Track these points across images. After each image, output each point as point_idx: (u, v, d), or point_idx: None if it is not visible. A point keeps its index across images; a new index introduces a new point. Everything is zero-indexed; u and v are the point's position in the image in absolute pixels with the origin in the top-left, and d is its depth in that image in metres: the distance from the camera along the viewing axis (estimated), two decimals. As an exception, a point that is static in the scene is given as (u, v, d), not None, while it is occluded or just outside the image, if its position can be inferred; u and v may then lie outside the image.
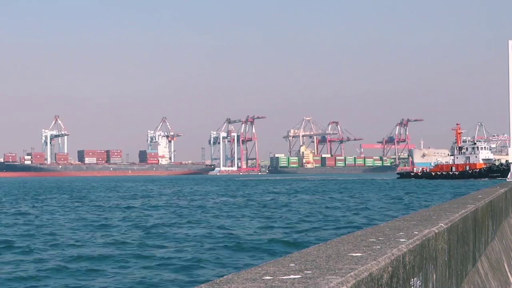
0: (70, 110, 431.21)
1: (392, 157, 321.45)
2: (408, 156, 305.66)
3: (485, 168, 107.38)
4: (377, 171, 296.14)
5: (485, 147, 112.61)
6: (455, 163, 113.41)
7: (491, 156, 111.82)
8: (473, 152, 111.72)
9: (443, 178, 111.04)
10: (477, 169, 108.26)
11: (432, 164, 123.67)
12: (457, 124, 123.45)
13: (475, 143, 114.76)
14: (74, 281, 14.76)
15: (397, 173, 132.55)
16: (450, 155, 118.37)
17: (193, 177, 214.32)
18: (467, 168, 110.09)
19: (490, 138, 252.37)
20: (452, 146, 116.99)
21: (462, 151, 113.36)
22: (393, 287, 3.06)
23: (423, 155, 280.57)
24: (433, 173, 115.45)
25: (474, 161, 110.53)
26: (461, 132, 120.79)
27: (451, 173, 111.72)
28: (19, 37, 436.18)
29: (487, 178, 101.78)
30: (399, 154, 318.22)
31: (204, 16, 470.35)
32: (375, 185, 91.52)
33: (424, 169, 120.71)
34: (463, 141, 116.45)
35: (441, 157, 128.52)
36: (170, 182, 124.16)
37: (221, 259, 17.89)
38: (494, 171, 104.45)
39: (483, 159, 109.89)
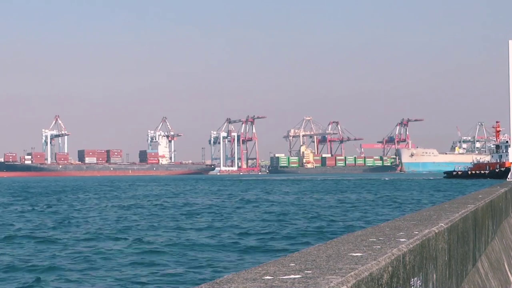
0: (70, 110, 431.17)
1: (392, 157, 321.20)
2: (395, 155, 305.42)
3: (510, 167, 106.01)
4: (378, 171, 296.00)
5: None
6: (490, 162, 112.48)
7: None
8: (505, 151, 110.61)
9: (476, 177, 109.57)
10: (503, 168, 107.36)
11: (472, 163, 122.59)
12: (496, 122, 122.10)
13: (507, 141, 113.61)
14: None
15: (444, 173, 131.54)
16: (490, 154, 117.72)
17: (193, 177, 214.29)
18: (497, 167, 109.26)
19: (490, 138, 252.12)
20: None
21: (498, 150, 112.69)
22: (393, 287, 3.06)
23: (411, 155, 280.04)
24: (469, 172, 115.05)
25: (505, 160, 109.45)
26: (500, 130, 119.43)
27: (483, 172, 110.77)
28: (19, 37, 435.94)
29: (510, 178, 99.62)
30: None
31: (204, 16, 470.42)
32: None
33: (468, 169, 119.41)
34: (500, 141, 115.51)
35: (481, 156, 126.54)
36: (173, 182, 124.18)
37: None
38: None
39: None
